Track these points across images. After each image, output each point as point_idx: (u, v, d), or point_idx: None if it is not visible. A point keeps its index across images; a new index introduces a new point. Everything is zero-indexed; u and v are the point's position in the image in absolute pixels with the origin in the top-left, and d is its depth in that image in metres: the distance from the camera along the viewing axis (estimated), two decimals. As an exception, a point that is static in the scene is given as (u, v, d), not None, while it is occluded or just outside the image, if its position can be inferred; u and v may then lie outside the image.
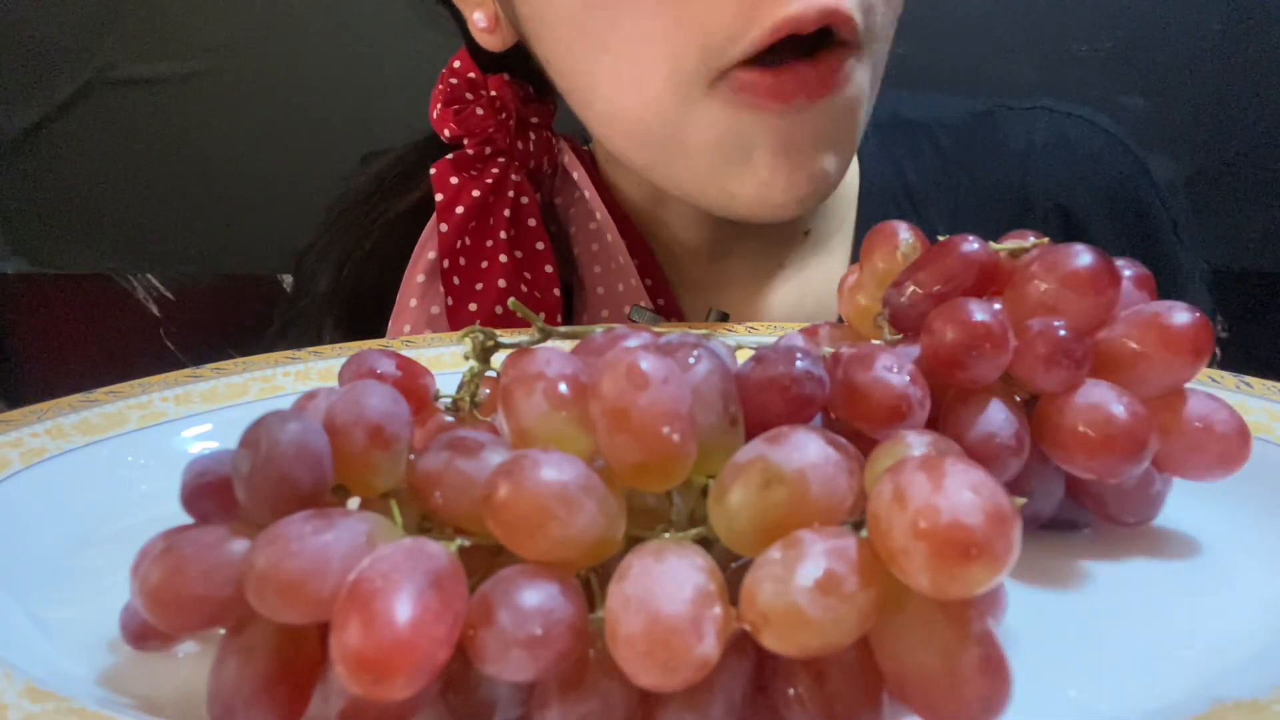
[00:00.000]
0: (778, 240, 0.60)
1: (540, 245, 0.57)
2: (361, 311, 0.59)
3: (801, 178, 0.48)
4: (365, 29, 0.97)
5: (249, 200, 1.00)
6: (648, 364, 0.20)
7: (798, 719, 0.19)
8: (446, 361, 0.41)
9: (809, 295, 0.60)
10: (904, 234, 0.31)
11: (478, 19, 0.56)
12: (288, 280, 0.96)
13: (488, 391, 0.28)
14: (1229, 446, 0.27)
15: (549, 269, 0.57)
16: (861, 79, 0.48)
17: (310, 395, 0.27)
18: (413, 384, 0.28)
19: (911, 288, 0.29)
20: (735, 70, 0.45)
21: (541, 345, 0.26)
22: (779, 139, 0.46)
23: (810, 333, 0.33)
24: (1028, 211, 0.60)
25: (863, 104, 0.49)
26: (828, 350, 0.27)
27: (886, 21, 0.48)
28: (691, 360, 0.22)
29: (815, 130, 0.47)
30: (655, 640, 0.17)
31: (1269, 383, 0.35)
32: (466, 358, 0.28)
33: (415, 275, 0.57)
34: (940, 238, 0.30)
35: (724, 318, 0.54)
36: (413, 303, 0.57)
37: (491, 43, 0.56)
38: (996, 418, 0.26)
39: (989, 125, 0.63)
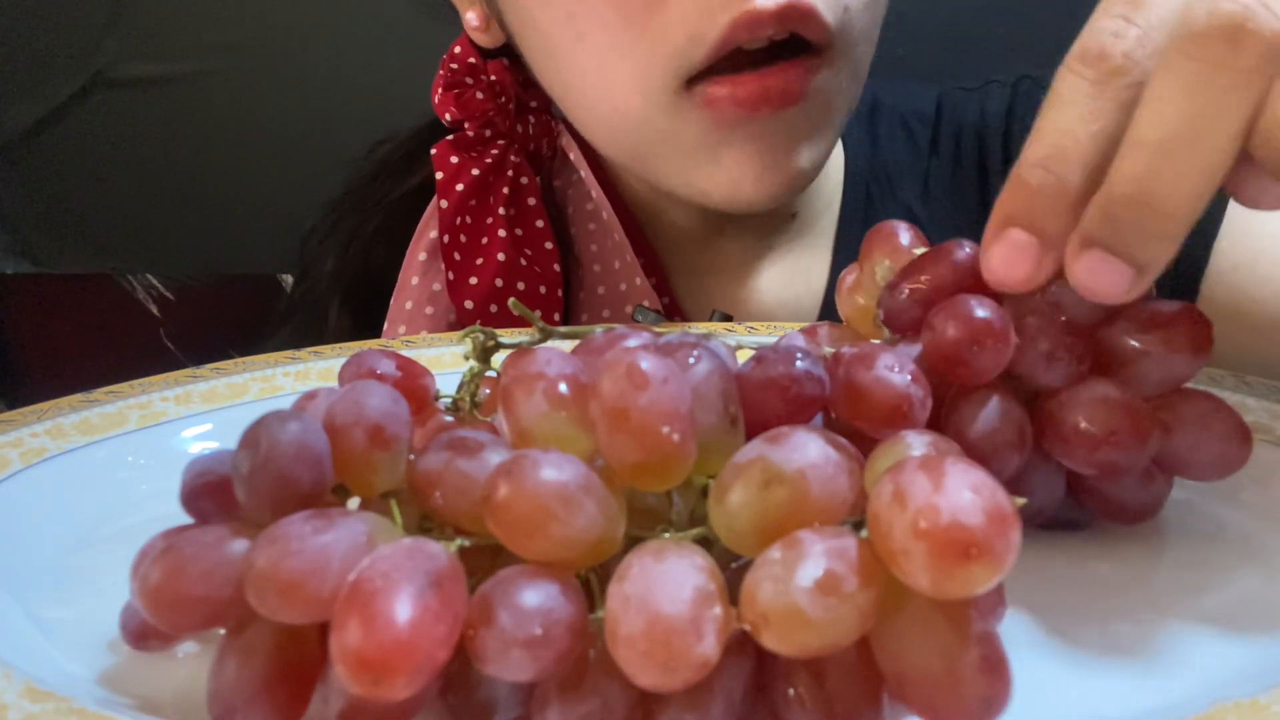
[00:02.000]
0: (767, 223, 0.62)
1: (540, 223, 0.59)
2: (367, 290, 0.61)
3: (772, 175, 0.49)
4: (366, 31, 0.97)
5: (249, 200, 1.00)
6: (648, 364, 0.20)
7: (798, 719, 0.19)
8: (446, 361, 0.41)
9: (797, 277, 0.62)
10: (904, 235, 0.31)
11: (470, 19, 0.58)
12: (288, 280, 0.96)
13: (488, 391, 0.29)
14: (1229, 446, 0.27)
15: (549, 245, 0.59)
16: (833, 79, 0.49)
17: (310, 395, 0.27)
18: (413, 384, 0.28)
19: (906, 290, 0.29)
20: (702, 84, 0.47)
21: (541, 345, 0.26)
22: (746, 141, 0.48)
23: (810, 333, 0.33)
24: (987, 181, 0.61)
25: (837, 104, 0.50)
26: (828, 350, 0.27)
27: (865, 23, 0.49)
28: (691, 360, 0.22)
29: (786, 130, 0.48)
30: (655, 640, 0.17)
31: (1269, 382, 0.35)
32: (466, 358, 0.28)
33: (417, 253, 0.59)
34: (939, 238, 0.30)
35: (726, 319, 0.54)
36: (415, 280, 0.58)
37: (484, 40, 0.59)
38: (998, 414, 0.26)
39: (949, 108, 0.65)
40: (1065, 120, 0.25)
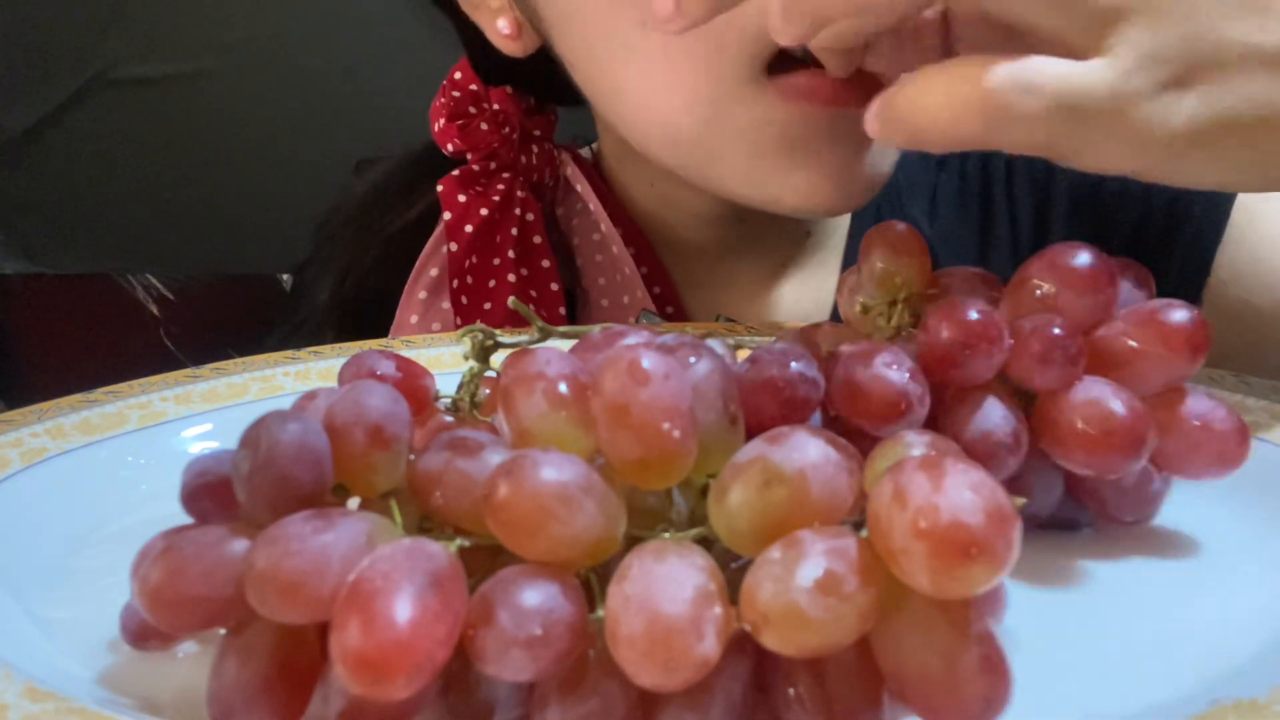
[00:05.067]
0: (781, 241, 0.61)
1: (545, 263, 0.58)
2: (362, 324, 0.60)
3: (852, 177, 0.46)
4: (365, 29, 0.97)
5: (249, 200, 1.00)
6: (649, 360, 0.20)
7: (798, 719, 0.19)
8: (446, 362, 0.41)
9: (806, 294, 0.61)
10: (901, 234, 0.31)
11: (500, 26, 0.55)
12: (288, 280, 0.96)
13: (488, 391, 0.28)
14: (1227, 445, 0.27)
15: (554, 286, 0.58)
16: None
17: (310, 395, 0.27)
18: (413, 384, 0.28)
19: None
20: (783, 74, 0.43)
21: (541, 345, 0.26)
22: (826, 139, 0.44)
23: (810, 332, 0.33)
24: (990, 196, 0.60)
25: None
26: (827, 350, 0.27)
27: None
28: (692, 359, 0.22)
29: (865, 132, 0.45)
30: (655, 640, 0.17)
31: (1269, 382, 0.35)
32: (466, 358, 0.28)
33: (417, 292, 0.58)
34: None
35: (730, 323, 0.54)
36: (414, 319, 0.57)
37: (514, 49, 0.55)
38: (994, 416, 0.26)
39: None
40: None
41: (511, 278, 0.56)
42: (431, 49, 0.62)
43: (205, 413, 0.37)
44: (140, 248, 1.02)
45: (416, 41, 0.69)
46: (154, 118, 0.99)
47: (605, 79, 0.50)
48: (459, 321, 0.56)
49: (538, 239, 0.58)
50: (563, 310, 0.57)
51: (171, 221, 1.01)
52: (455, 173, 0.58)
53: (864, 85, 0.42)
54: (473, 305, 0.56)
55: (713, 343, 0.23)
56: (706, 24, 0.43)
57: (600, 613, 0.19)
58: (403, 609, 0.17)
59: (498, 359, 0.27)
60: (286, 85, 0.98)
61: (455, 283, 0.56)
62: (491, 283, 0.57)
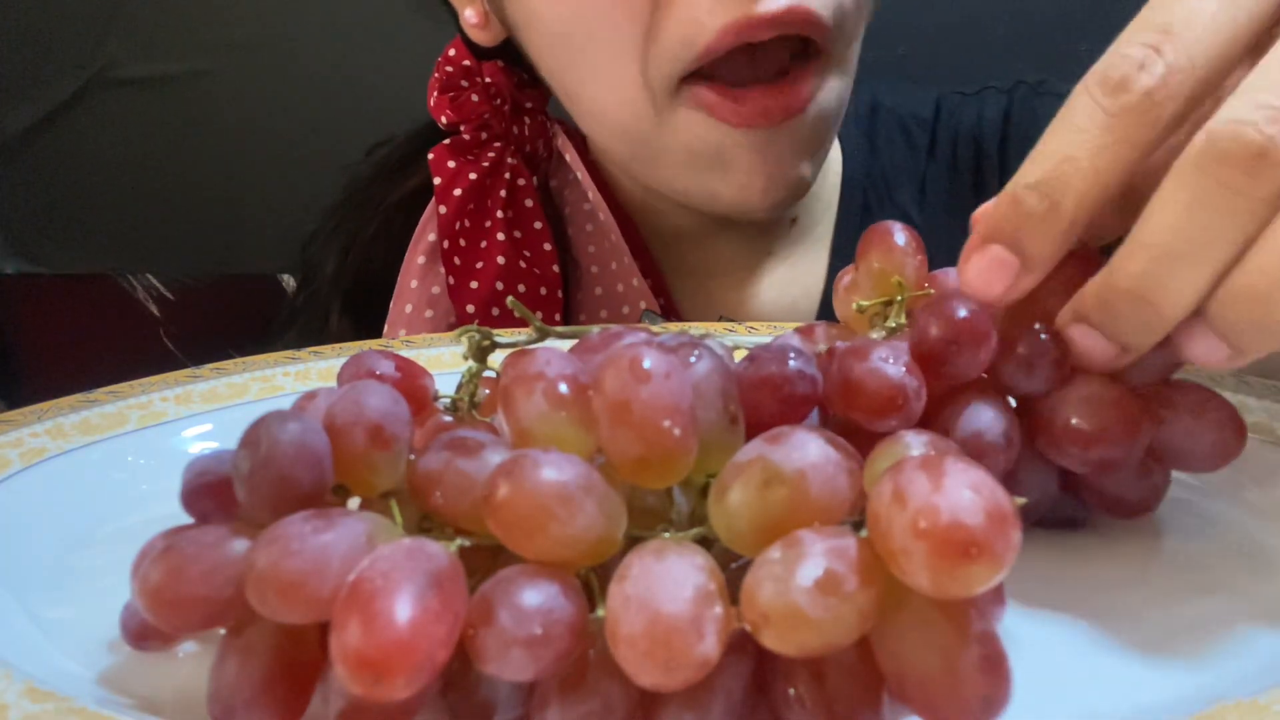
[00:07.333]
0: (765, 227, 0.62)
1: (538, 224, 0.60)
2: (367, 293, 0.62)
3: (779, 184, 0.51)
4: (365, 30, 0.97)
5: (249, 200, 1.00)
6: (650, 359, 0.20)
7: (798, 719, 0.19)
8: (446, 361, 0.41)
9: (794, 281, 0.62)
10: (899, 236, 0.31)
11: (468, 15, 0.59)
12: (288, 280, 0.97)
13: (487, 392, 0.28)
14: (1224, 435, 0.27)
15: (547, 246, 0.59)
16: (833, 88, 0.50)
17: (310, 395, 0.27)
18: (412, 384, 0.28)
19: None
20: (695, 85, 0.48)
21: (540, 345, 0.26)
22: (752, 149, 0.50)
23: (807, 332, 0.33)
24: (982, 187, 0.62)
25: (834, 115, 0.52)
26: (823, 348, 0.27)
27: (855, 22, 0.51)
28: (692, 359, 0.22)
29: (788, 143, 0.50)
30: (655, 640, 0.17)
31: (1269, 382, 0.35)
32: (465, 358, 0.28)
33: (416, 257, 0.59)
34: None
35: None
36: (414, 284, 0.59)
37: (482, 38, 0.59)
38: (985, 415, 0.26)
39: (947, 112, 0.66)
40: (1071, 146, 0.24)
41: (501, 236, 0.58)
42: (432, 49, 0.63)
43: (205, 413, 0.37)
44: (140, 248, 1.02)
45: (417, 42, 0.69)
46: (154, 118, 0.99)
47: (560, 82, 0.55)
48: (451, 281, 0.57)
49: (529, 202, 0.60)
50: (555, 268, 0.59)
51: (171, 221, 1.01)
52: (446, 142, 0.60)
53: (778, 108, 0.48)
54: (465, 266, 0.58)
55: (711, 342, 0.23)
56: (638, 42, 0.47)
57: (600, 612, 0.19)
58: (403, 609, 0.17)
59: (496, 359, 0.27)
60: (287, 85, 0.98)
61: (446, 244, 0.58)
62: (483, 243, 0.58)
